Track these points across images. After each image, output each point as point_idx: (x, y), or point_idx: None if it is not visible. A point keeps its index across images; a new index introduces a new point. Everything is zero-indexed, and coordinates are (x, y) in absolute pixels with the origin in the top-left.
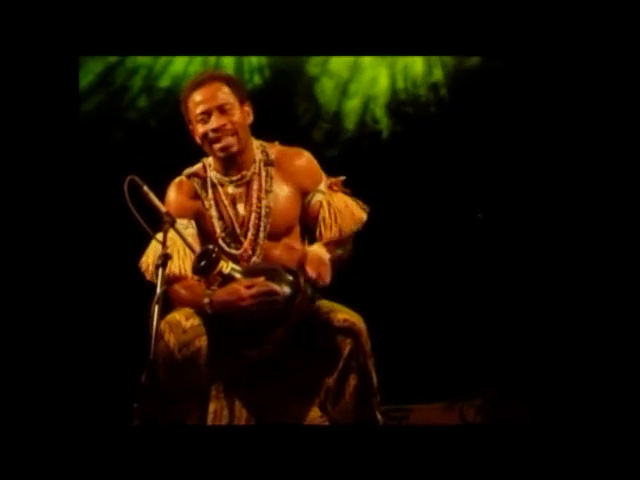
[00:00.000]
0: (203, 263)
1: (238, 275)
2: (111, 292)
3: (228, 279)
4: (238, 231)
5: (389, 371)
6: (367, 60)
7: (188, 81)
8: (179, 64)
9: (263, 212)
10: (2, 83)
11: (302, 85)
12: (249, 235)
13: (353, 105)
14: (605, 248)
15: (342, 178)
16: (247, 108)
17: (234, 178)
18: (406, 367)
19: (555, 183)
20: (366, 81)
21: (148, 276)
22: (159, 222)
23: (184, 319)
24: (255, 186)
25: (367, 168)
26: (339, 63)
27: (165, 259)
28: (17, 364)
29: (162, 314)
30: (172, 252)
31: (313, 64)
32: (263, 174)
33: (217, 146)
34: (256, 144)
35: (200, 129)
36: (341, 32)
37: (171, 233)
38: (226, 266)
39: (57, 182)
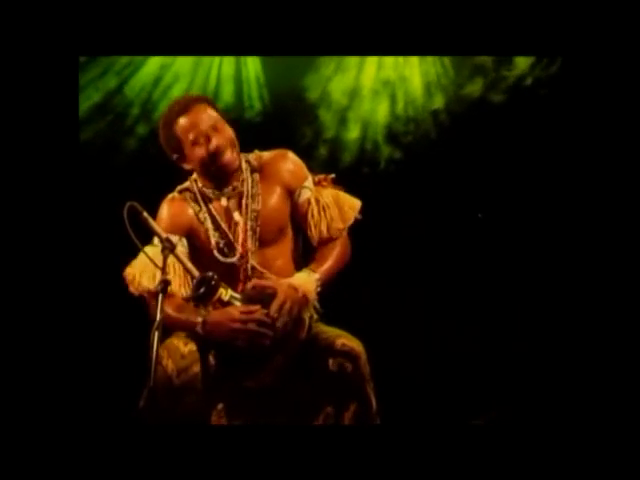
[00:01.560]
0: (202, 290)
1: (237, 302)
2: (109, 313)
3: (227, 306)
4: (232, 240)
5: (387, 395)
6: (367, 86)
7: (167, 109)
8: (177, 90)
9: (251, 216)
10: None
11: (301, 112)
12: (240, 241)
13: (352, 132)
14: (607, 269)
15: (332, 175)
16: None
17: (226, 190)
18: (404, 391)
19: (556, 207)
20: (365, 108)
21: (132, 288)
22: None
23: (182, 344)
24: (244, 193)
25: (366, 195)
26: (338, 90)
27: (165, 285)
28: (17, 370)
29: (162, 340)
30: (169, 273)
31: (312, 90)
32: (250, 181)
33: (219, 164)
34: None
35: (198, 152)
36: (343, 32)
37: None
38: (225, 293)
39: (57, 205)
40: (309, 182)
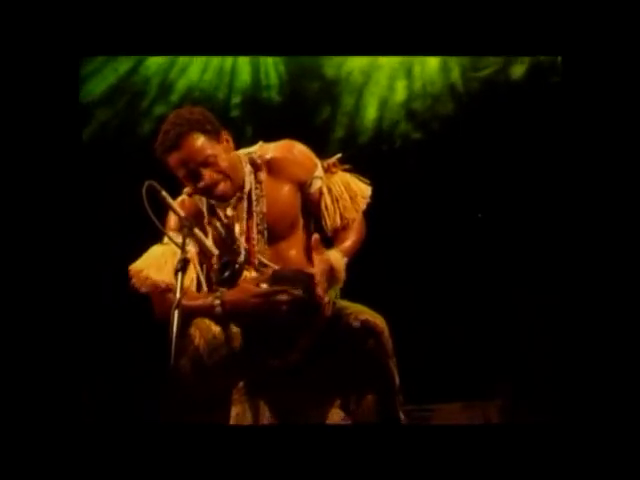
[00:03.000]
0: (227, 274)
1: (263, 284)
2: (123, 298)
3: (242, 284)
4: (238, 244)
5: (411, 371)
6: (384, 63)
7: (159, 138)
8: (194, 71)
9: (257, 219)
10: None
11: (319, 90)
12: (249, 245)
13: (370, 109)
14: (611, 246)
15: (338, 156)
16: (225, 136)
17: (231, 200)
18: (427, 367)
19: (565, 185)
20: (383, 85)
21: (137, 282)
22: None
23: (213, 324)
24: (248, 199)
25: (384, 172)
26: (355, 67)
27: (185, 264)
28: (29, 366)
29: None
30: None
31: (329, 67)
32: (253, 184)
33: (213, 196)
34: (243, 157)
35: (190, 186)
36: (356, 32)
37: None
38: (249, 275)
39: (65, 189)
40: (319, 171)
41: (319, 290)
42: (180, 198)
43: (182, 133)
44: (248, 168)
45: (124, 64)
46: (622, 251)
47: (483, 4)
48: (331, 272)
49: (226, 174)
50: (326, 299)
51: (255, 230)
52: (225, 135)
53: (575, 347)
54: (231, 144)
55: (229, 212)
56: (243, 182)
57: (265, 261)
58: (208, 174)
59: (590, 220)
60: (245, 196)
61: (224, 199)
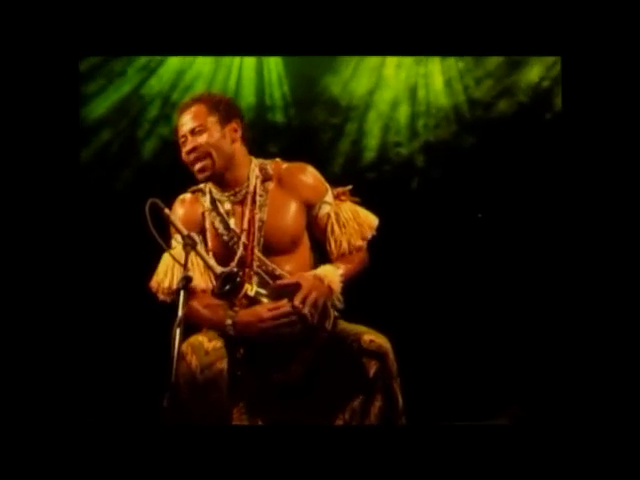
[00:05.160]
0: (228, 287)
1: (264, 298)
2: (126, 313)
3: (254, 302)
4: (231, 245)
5: (413, 392)
6: (388, 85)
7: None
8: (197, 91)
9: (256, 226)
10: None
11: (324, 110)
12: (241, 249)
13: (373, 131)
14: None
15: (349, 187)
16: (234, 125)
17: (227, 194)
18: (430, 387)
19: (568, 203)
20: (387, 106)
21: (161, 296)
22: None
23: (206, 341)
24: (249, 201)
25: (388, 192)
26: (359, 89)
27: (187, 282)
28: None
29: (184, 336)
30: (194, 269)
31: (334, 89)
32: (258, 189)
33: (195, 168)
34: (255, 162)
35: (182, 152)
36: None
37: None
38: (251, 289)
39: (64, 206)
40: (329, 196)
41: (300, 300)
42: (182, 196)
43: (195, 100)
44: (256, 171)
45: (127, 84)
46: (623, 265)
47: (483, 4)
48: (318, 281)
49: (208, 151)
50: (308, 310)
51: (255, 236)
52: (235, 124)
53: (581, 368)
54: (238, 134)
55: (227, 206)
56: (248, 179)
57: (262, 257)
58: (192, 142)
59: (593, 240)
60: (250, 195)
61: (203, 174)
